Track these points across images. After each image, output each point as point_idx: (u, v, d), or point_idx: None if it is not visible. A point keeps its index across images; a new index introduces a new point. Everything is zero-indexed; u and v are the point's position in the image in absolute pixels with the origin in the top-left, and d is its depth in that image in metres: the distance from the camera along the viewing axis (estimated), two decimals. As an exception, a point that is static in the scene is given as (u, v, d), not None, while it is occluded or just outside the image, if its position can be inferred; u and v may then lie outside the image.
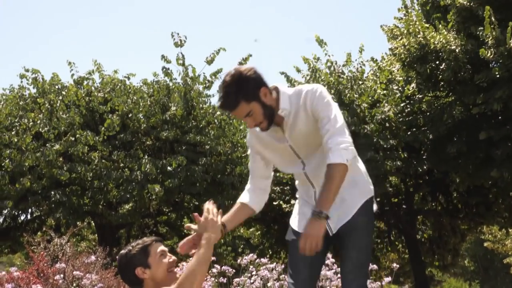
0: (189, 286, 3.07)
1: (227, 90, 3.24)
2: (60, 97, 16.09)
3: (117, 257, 3.42)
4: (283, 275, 6.89)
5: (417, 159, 16.18)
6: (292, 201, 18.25)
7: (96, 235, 20.33)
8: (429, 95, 15.65)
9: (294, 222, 3.69)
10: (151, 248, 3.31)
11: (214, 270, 6.88)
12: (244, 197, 3.65)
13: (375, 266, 6.73)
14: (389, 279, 6.78)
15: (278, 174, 17.09)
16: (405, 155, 15.85)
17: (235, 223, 3.61)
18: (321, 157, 3.40)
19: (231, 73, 3.26)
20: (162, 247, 3.37)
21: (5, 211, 18.38)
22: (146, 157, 14.99)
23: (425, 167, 15.86)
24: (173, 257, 3.41)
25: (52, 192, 15.08)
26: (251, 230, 23.45)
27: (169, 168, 15.00)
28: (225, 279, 6.98)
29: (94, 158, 14.76)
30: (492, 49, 12.64)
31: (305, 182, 3.62)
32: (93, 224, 19.63)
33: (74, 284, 7.33)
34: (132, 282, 3.33)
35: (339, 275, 6.83)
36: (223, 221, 3.49)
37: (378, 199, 20.08)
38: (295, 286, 3.48)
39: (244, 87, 3.23)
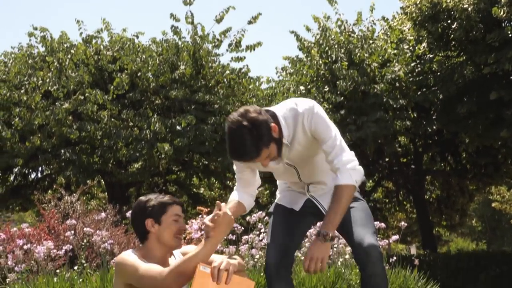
0: (181, 273, 3.01)
1: (243, 141, 3.06)
2: (69, 56, 16.04)
3: (135, 203, 3.45)
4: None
5: (426, 119, 16.11)
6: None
7: (106, 193, 20.51)
8: (440, 54, 15.49)
9: (283, 200, 3.76)
10: (169, 208, 3.34)
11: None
12: (238, 196, 3.53)
13: (383, 225, 6.76)
14: (396, 237, 6.82)
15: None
16: (415, 115, 15.79)
17: (235, 217, 3.52)
18: (314, 163, 3.46)
19: (241, 121, 3.05)
20: (179, 212, 3.39)
21: (15, 169, 18.54)
22: (155, 116, 14.99)
23: (434, 127, 15.81)
24: (184, 225, 3.44)
25: (62, 151, 15.18)
26: (259, 189, 23.52)
27: (178, 127, 15.01)
28: (234, 236, 7.04)
29: (104, 117, 14.78)
30: (505, 8, 12.46)
31: (298, 184, 3.67)
32: (103, 182, 19.79)
33: (85, 241, 7.41)
34: (139, 230, 3.38)
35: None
36: None
37: (387, 159, 20.15)
38: (272, 250, 3.45)
39: (260, 133, 3.07)
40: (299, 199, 3.67)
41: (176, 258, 3.42)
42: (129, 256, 3.23)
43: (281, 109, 3.31)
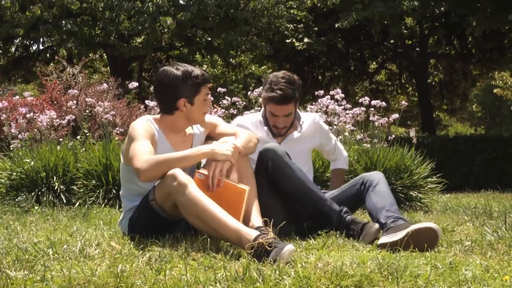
0: (159, 170, 2.98)
1: (291, 88, 3.73)
2: None
3: (162, 72, 3.30)
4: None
5: (435, 0, 15.73)
6: (306, 39, 18.05)
7: (109, 67, 20.46)
8: None
9: None
10: (202, 88, 3.28)
11: (225, 102, 6.97)
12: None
13: (383, 103, 6.79)
14: (396, 115, 6.87)
15: (292, 11, 16.78)
16: (423, -5, 15.41)
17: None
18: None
19: (292, 76, 3.80)
20: (208, 90, 3.36)
21: (16, 41, 18.38)
22: (158, -12, 14.65)
23: (442, 9, 15.47)
24: (210, 101, 3.42)
25: (63, 22, 14.97)
26: (262, 68, 23.42)
27: (181, 1, 14.72)
28: (235, 110, 7.10)
29: (105, -12, 14.48)
30: None
31: None
32: (105, 56, 19.67)
33: (87, 111, 7.47)
34: (167, 106, 3.32)
35: (347, 111, 6.92)
36: None
37: (392, 41, 19.87)
38: None
39: (298, 92, 3.81)
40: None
41: (194, 127, 3.44)
42: (142, 126, 3.22)
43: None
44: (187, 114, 3.30)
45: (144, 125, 3.24)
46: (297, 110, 3.95)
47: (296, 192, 3.41)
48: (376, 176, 3.56)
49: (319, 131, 4.07)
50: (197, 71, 3.28)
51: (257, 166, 3.42)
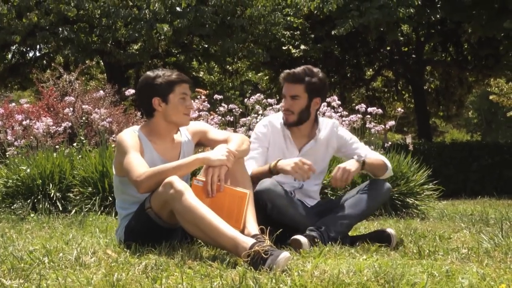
0: (156, 181, 2.99)
1: (305, 71, 3.74)
2: None
3: (142, 76, 3.39)
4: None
5: (430, 7, 15.78)
6: (302, 46, 18.09)
7: (105, 74, 20.44)
8: None
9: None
10: (176, 87, 3.29)
11: (222, 109, 6.97)
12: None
13: (380, 110, 6.81)
14: (393, 122, 6.88)
15: (288, 19, 16.80)
16: (419, 3, 15.44)
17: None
18: (315, 181, 3.83)
19: (315, 69, 3.82)
20: (186, 90, 3.35)
21: (13, 47, 18.35)
22: (154, -5, 14.65)
23: (438, 16, 15.51)
24: (191, 103, 3.42)
25: (60, 29, 14.96)
26: (259, 75, 23.44)
27: (178, 8, 14.73)
28: (232, 117, 7.10)
29: (102, -5, 14.48)
30: None
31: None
32: (102, 63, 19.66)
33: (84, 118, 7.47)
34: (145, 107, 3.36)
35: (343, 118, 6.93)
36: None
37: (388, 48, 19.93)
38: None
39: (314, 82, 3.73)
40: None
41: (182, 135, 3.45)
42: (128, 137, 3.24)
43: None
44: (164, 114, 3.31)
45: (131, 136, 3.26)
46: (317, 116, 3.88)
47: (298, 226, 3.42)
48: (380, 185, 3.61)
49: (335, 135, 3.89)
50: (172, 72, 3.33)
51: (255, 204, 3.24)
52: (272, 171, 3.47)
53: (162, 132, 3.36)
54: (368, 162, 3.61)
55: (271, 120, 3.81)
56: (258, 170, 3.55)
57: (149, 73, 3.36)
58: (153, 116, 3.34)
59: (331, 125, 3.90)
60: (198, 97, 7.07)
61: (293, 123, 3.74)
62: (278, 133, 3.77)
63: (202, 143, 3.52)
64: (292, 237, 3.21)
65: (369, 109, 6.76)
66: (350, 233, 3.65)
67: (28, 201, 5.82)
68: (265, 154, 3.74)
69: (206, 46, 17.65)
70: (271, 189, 3.38)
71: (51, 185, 5.95)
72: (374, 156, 3.80)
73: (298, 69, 3.76)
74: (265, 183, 3.41)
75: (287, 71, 3.79)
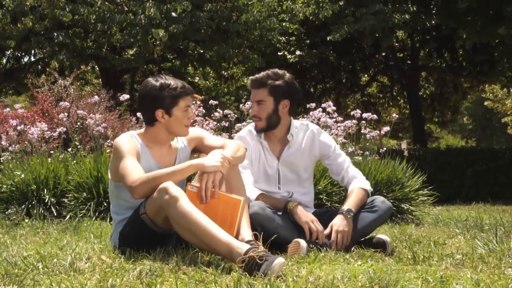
0: (150, 187, 2.99)
1: (268, 75, 3.69)
2: None
3: (143, 83, 3.34)
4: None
5: (426, 13, 15.84)
6: (298, 52, 18.13)
7: (100, 79, 20.42)
8: None
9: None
10: (180, 100, 3.27)
11: (217, 114, 6.97)
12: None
13: (375, 116, 6.82)
14: (387, 128, 6.89)
15: (284, 24, 16.83)
16: (414, 9, 15.51)
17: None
18: (302, 190, 3.84)
19: (281, 72, 3.74)
20: (189, 102, 3.34)
21: (7, 52, 18.33)
22: (150, 0, 14.65)
23: (433, 22, 15.56)
24: (193, 114, 3.43)
25: (55, 34, 14.95)
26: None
27: (173, 13, 14.74)
28: (227, 123, 7.10)
29: (97, 0, 14.46)
30: None
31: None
32: (97, 68, 19.65)
33: (78, 124, 7.45)
34: (147, 116, 3.34)
35: (339, 124, 6.94)
36: None
37: (383, 54, 19.97)
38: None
39: (278, 85, 3.67)
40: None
41: (178, 141, 3.45)
42: (125, 142, 3.23)
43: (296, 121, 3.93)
44: (167, 126, 3.30)
45: (128, 141, 3.25)
46: (291, 121, 3.82)
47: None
48: (383, 205, 3.64)
49: (317, 141, 3.84)
50: (176, 83, 3.28)
51: None
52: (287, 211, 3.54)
53: (161, 140, 3.36)
54: (356, 207, 3.57)
55: (251, 130, 3.81)
56: (271, 201, 3.57)
57: (152, 81, 3.29)
58: (154, 126, 3.33)
59: (310, 129, 3.86)
60: (194, 102, 7.07)
61: (263, 129, 3.73)
62: (256, 143, 3.78)
63: (198, 149, 3.51)
64: (295, 239, 3.22)
65: (364, 115, 6.77)
66: None
67: (23, 206, 5.80)
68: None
69: (202, 51, 17.67)
70: (259, 213, 3.37)
71: (45, 190, 5.94)
72: (356, 184, 3.75)
73: (261, 74, 3.73)
74: (253, 207, 3.38)
75: (251, 77, 3.79)
